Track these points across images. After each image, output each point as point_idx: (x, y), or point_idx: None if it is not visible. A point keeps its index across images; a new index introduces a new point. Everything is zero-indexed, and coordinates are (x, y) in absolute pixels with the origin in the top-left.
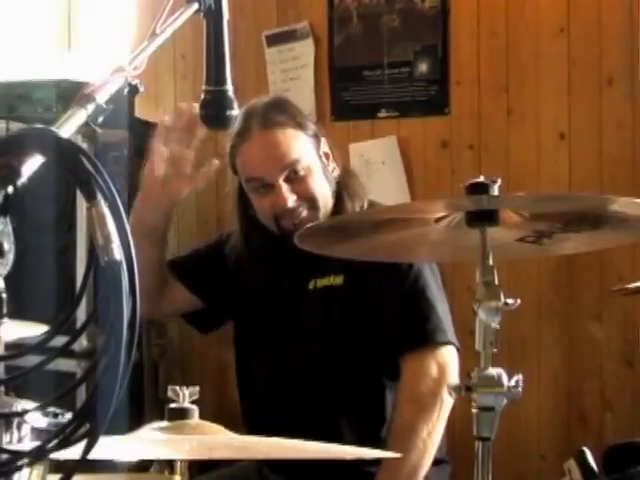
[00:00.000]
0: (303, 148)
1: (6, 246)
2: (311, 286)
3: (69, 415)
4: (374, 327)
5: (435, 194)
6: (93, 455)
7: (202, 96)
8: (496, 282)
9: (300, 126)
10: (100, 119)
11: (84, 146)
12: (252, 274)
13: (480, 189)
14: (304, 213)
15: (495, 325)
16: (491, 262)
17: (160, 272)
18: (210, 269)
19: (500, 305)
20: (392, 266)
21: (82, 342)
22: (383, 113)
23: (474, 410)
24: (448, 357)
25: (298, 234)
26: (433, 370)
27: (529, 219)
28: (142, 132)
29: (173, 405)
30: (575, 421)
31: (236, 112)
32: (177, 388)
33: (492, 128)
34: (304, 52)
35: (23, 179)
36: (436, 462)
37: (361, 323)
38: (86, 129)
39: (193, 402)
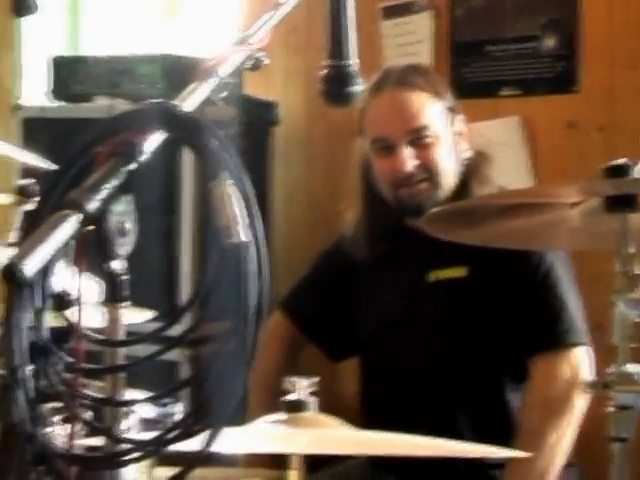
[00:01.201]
0: (435, 116)
1: (128, 225)
2: (431, 278)
3: (179, 405)
4: (500, 325)
5: (561, 179)
6: (213, 447)
7: (324, 71)
8: (636, 272)
9: (437, 94)
10: (223, 94)
11: None
12: (367, 252)
13: (620, 172)
14: (422, 185)
15: (635, 318)
16: (632, 250)
17: None
18: (339, 316)
19: None
20: (521, 259)
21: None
22: (506, 91)
23: (611, 409)
24: (581, 359)
25: (423, 218)
26: (565, 373)
27: None
28: (250, 110)
29: (290, 397)
30: None
31: (360, 88)
32: (294, 379)
33: (625, 107)
34: (422, 26)
35: (145, 156)
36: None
37: (485, 320)
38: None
39: (310, 394)
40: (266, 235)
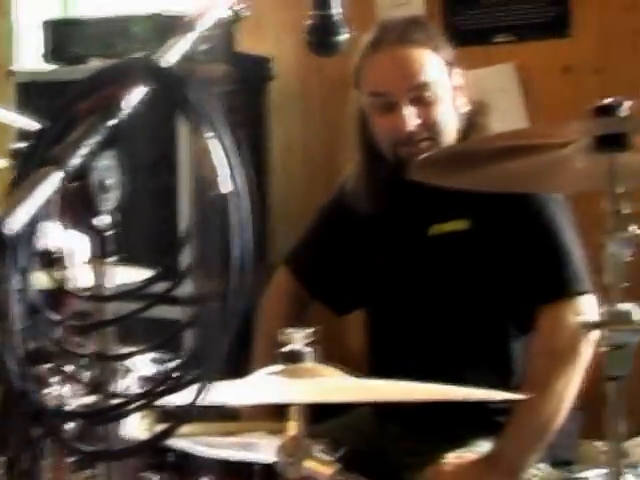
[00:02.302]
0: (436, 73)
1: (109, 181)
2: (433, 231)
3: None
4: (503, 276)
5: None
6: (205, 400)
7: (308, 21)
8: (626, 211)
9: (438, 49)
10: (203, 47)
11: None
12: (368, 205)
13: (608, 111)
14: (423, 144)
15: (626, 257)
16: (621, 190)
17: None
18: (338, 266)
19: (631, 236)
20: (522, 209)
21: (187, 287)
22: (499, 38)
23: (605, 348)
24: (587, 307)
25: (412, 165)
26: (571, 322)
27: None
28: (244, 66)
29: (287, 348)
30: None
31: (345, 38)
32: (290, 330)
33: (620, 49)
34: None
35: (127, 111)
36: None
37: (489, 272)
38: (184, 63)
39: (308, 345)
40: (264, 189)
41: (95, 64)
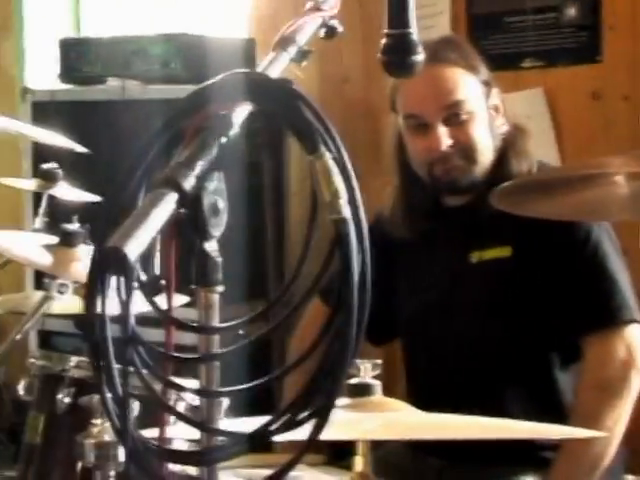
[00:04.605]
0: (470, 91)
1: (221, 204)
2: (474, 259)
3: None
4: (548, 304)
5: (586, 151)
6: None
7: (384, 41)
8: None
9: (472, 69)
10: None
11: None
12: (406, 231)
13: None
14: (458, 162)
15: None
16: None
17: None
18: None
19: None
20: (567, 235)
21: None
22: (528, 63)
23: None
24: (636, 337)
25: (494, 193)
26: (620, 353)
27: None
28: None
29: (354, 380)
30: None
31: (422, 57)
32: (357, 362)
33: None
34: None
35: (235, 129)
36: None
37: (533, 300)
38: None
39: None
40: (283, 216)
41: (114, 84)
